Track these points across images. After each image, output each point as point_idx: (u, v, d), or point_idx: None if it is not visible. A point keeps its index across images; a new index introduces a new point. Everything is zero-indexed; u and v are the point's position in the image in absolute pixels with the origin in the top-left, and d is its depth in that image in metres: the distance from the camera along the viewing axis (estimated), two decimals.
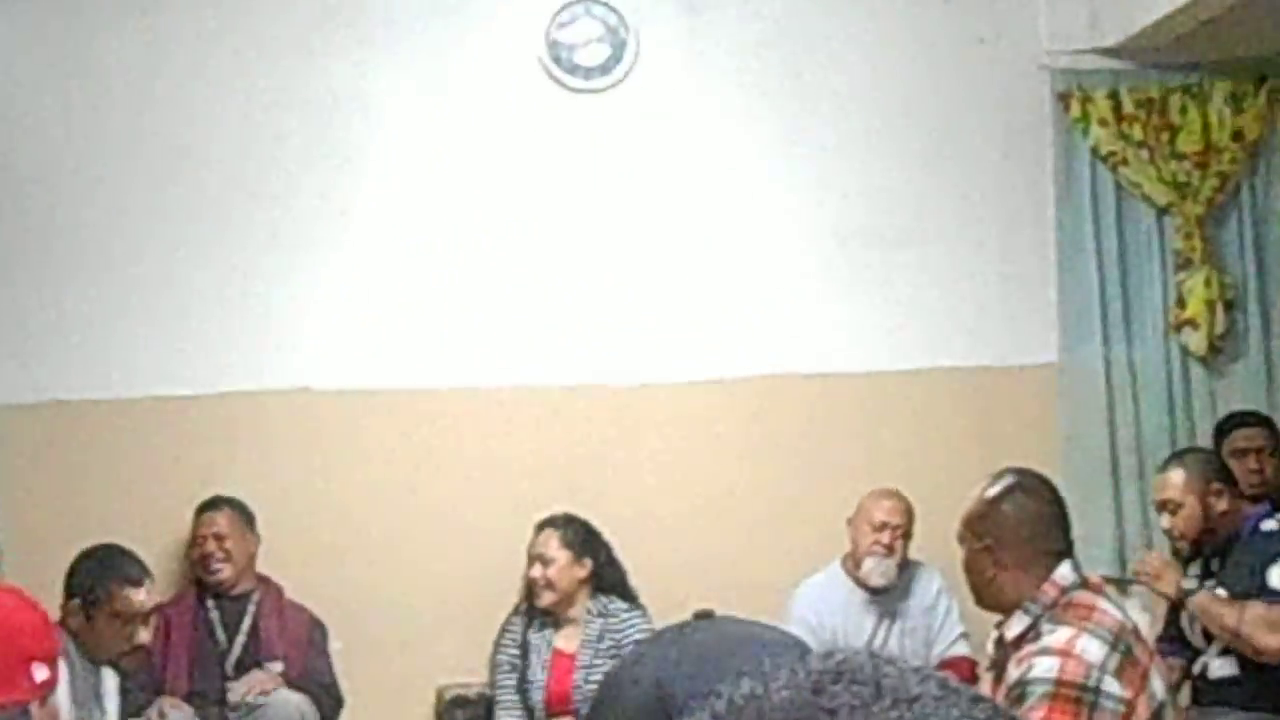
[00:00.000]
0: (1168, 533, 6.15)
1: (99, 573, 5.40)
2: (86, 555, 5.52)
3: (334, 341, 6.98)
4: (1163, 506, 6.13)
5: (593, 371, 7.10)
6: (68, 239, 6.79)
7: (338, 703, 6.69)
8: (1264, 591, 5.78)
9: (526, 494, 6.89)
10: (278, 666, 6.60)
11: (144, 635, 5.36)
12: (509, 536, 6.78)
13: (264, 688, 6.46)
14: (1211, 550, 6.07)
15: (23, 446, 6.74)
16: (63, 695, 4.38)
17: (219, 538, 6.73)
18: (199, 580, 6.79)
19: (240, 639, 6.69)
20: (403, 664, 6.82)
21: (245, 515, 6.78)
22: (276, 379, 6.93)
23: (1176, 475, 6.08)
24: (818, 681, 1.11)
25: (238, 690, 6.47)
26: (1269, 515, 6.08)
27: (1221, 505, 6.00)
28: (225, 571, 6.73)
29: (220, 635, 6.69)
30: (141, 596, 5.37)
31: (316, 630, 6.79)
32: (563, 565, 6.72)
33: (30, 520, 6.62)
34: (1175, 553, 6.16)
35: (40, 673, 2.07)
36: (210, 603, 6.77)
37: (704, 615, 2.05)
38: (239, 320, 6.92)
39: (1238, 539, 6.00)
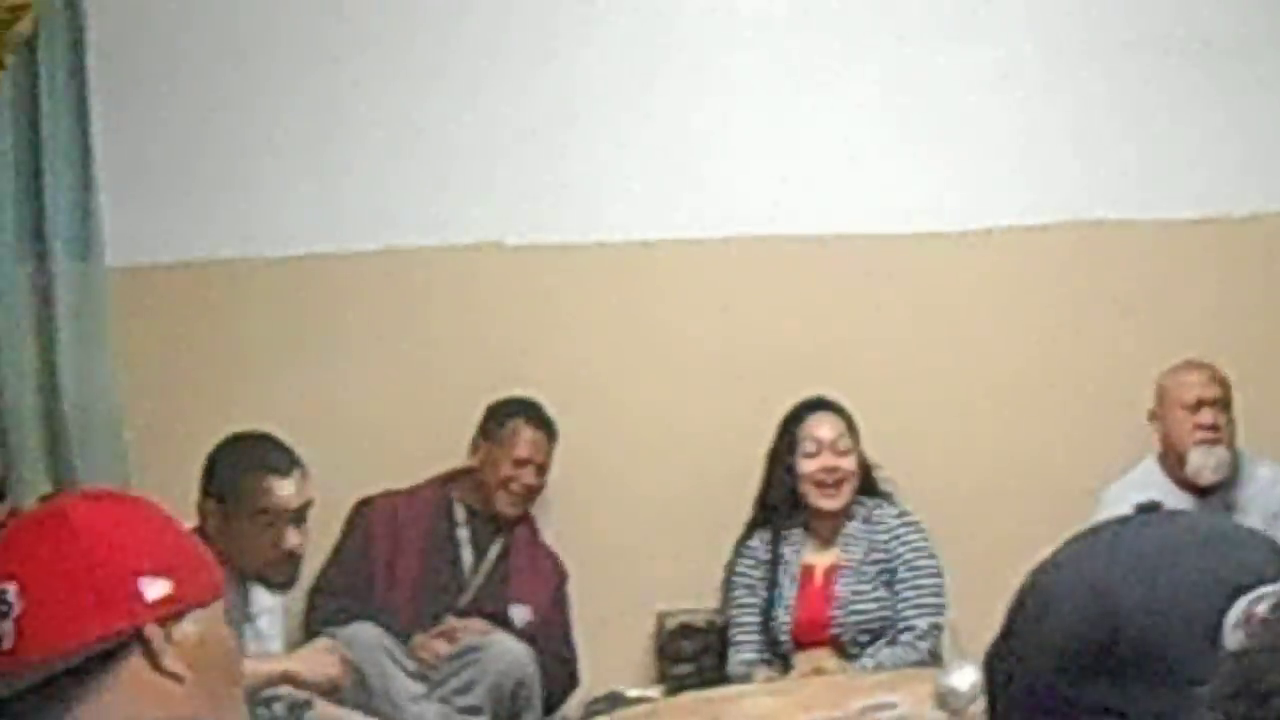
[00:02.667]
0: None
1: (237, 463, 4.69)
2: (223, 445, 4.82)
3: (525, 191, 6.06)
4: None
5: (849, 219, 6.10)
6: (215, 80, 5.97)
7: (571, 680, 5.71)
8: None
9: (764, 378, 5.96)
10: (525, 613, 5.63)
11: (293, 538, 4.61)
12: (741, 433, 5.87)
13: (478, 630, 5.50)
14: None
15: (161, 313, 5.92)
16: None
17: (539, 466, 5.76)
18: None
19: (485, 569, 5.69)
20: (618, 588, 5.94)
21: (550, 431, 5.81)
22: (457, 234, 5.99)
23: None
24: None
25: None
26: None
27: None
28: (524, 507, 5.79)
29: (466, 560, 5.69)
30: (288, 490, 4.61)
31: (563, 584, 5.83)
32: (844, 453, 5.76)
33: (172, 408, 5.79)
34: None
35: (153, 588, 1.76)
36: (460, 513, 5.72)
37: (1148, 508, 1.62)
38: (410, 170, 6.00)
39: None
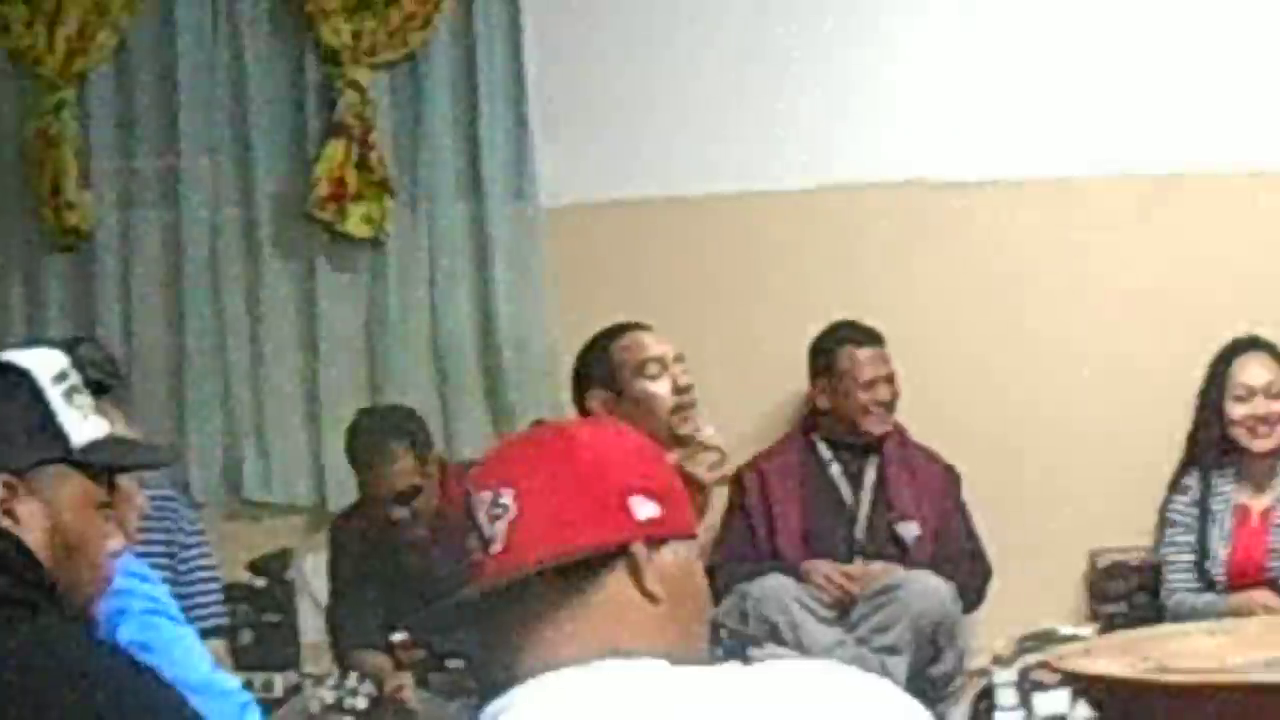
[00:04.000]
0: None
1: (614, 354, 4.22)
2: (596, 339, 4.37)
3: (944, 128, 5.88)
4: None
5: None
6: (642, 20, 5.95)
7: (986, 573, 5.55)
8: None
9: (1197, 316, 5.74)
10: (914, 529, 5.50)
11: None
12: (1175, 370, 5.69)
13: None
14: None
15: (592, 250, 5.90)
16: None
17: (887, 378, 5.62)
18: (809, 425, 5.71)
19: (866, 495, 5.57)
20: (1047, 525, 5.73)
21: (878, 340, 5.67)
22: (889, 170, 5.86)
23: None
24: None
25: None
26: None
27: None
28: (890, 420, 5.64)
29: (845, 492, 5.59)
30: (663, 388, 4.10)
31: (952, 481, 5.66)
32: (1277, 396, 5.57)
33: None
34: None
35: (644, 509, 1.80)
36: (825, 450, 5.65)
37: None
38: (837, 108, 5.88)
39: None
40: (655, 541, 1.80)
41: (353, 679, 4.24)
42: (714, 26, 5.88)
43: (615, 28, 5.88)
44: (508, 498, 1.78)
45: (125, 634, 3.09)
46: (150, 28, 5.89)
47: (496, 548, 1.77)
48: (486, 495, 1.79)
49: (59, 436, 2.11)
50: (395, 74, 5.83)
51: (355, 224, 5.73)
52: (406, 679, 4.66)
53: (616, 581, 1.77)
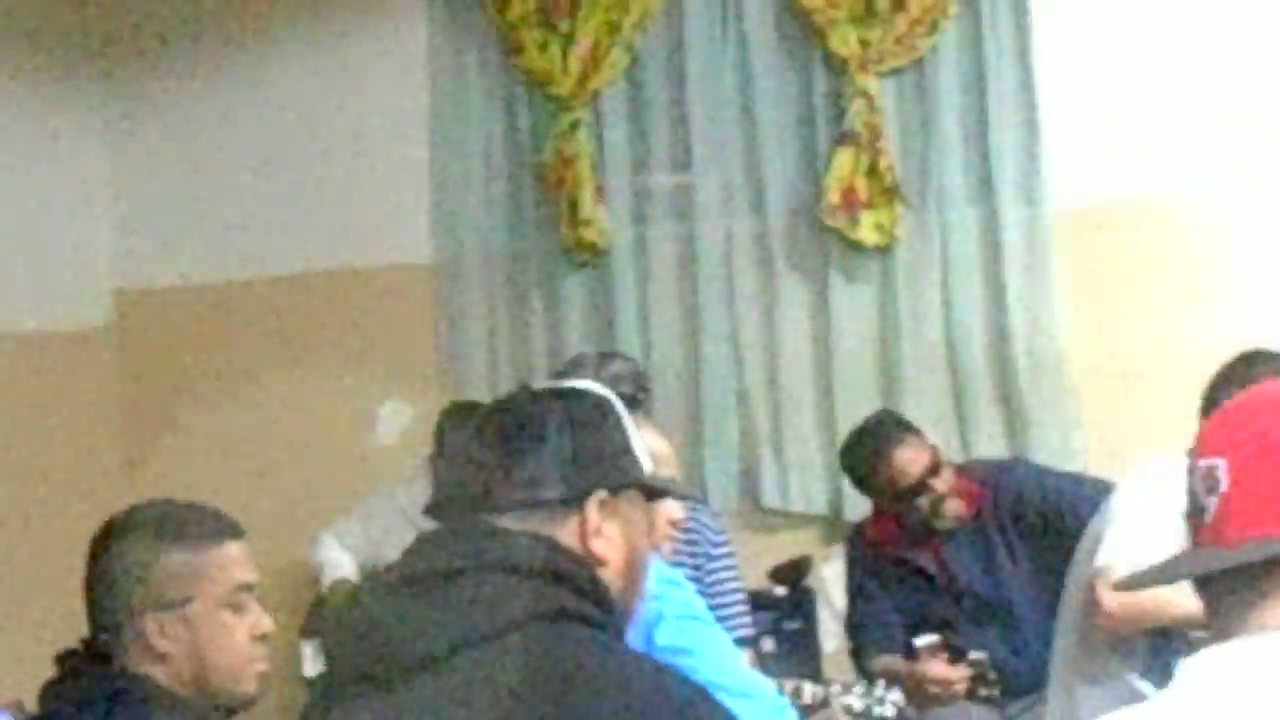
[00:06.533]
0: None
1: None
2: None
3: None
4: None
5: None
6: None
7: None
8: None
9: None
10: None
11: None
12: None
13: None
14: None
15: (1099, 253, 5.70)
16: None
17: None
18: None
19: None
20: None
21: None
22: None
23: None
24: None
25: None
26: None
27: None
28: None
29: None
30: None
31: None
32: None
33: (1112, 346, 5.63)
34: None
35: None
36: None
37: None
38: None
39: None
40: None
41: (880, 687, 4.22)
42: None
43: (1119, 27, 5.71)
44: (1220, 470, 1.71)
45: (662, 638, 3.13)
46: (660, 45, 6.01)
47: (1207, 519, 1.71)
48: (1203, 464, 1.73)
49: (635, 462, 2.15)
50: (902, 80, 5.80)
51: (866, 232, 5.71)
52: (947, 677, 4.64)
53: None
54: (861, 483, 5.14)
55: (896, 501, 5.04)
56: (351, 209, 6.37)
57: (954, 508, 5.00)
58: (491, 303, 6.18)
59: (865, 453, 5.04)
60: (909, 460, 4.97)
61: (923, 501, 4.98)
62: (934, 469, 4.98)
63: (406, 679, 1.91)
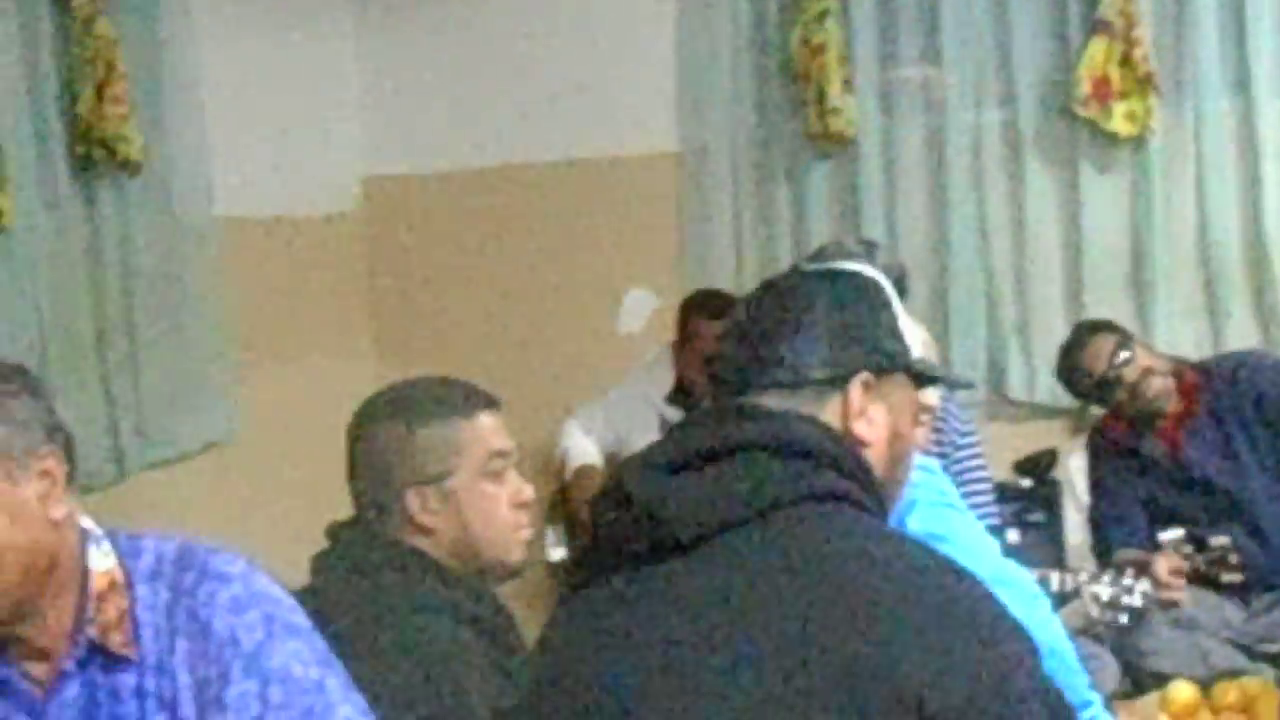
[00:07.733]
0: None
1: None
2: None
3: None
4: None
5: None
6: None
7: None
8: None
9: None
10: None
11: None
12: None
13: None
14: None
15: None
16: None
17: None
18: None
19: None
20: None
21: None
22: None
23: None
24: None
25: None
26: None
27: None
28: None
29: None
30: None
31: None
32: None
33: None
34: None
35: None
36: None
37: None
38: None
39: None
40: None
41: (1128, 575, 4.17)
42: None
43: None
44: None
45: (916, 524, 3.12)
46: None
47: None
48: None
49: (904, 345, 2.13)
50: None
51: (1119, 122, 5.61)
52: (1178, 580, 4.57)
53: None
54: (1071, 389, 5.26)
55: (1100, 400, 5.16)
56: (597, 98, 6.39)
57: (1153, 387, 5.01)
58: (736, 192, 6.16)
59: (1060, 365, 5.21)
60: (1091, 356, 5.08)
61: (1119, 392, 5.04)
62: (1121, 360, 5.03)
63: (675, 558, 1.92)
